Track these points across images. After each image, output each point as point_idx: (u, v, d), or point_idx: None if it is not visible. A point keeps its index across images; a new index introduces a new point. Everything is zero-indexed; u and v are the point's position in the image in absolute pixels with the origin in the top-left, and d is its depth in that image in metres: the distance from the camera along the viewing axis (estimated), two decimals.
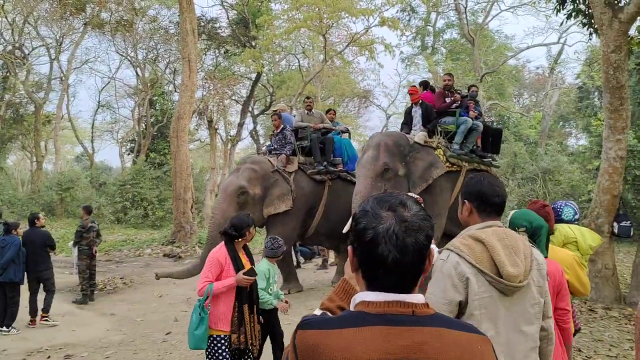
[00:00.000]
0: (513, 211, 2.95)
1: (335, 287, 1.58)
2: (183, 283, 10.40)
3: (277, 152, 9.14)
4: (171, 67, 29.62)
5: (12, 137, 29.75)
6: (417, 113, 8.64)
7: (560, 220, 4.06)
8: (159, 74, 29.42)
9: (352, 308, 1.29)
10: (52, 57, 28.34)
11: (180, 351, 6.16)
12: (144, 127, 28.39)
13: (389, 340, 1.15)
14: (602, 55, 8.54)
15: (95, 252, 9.36)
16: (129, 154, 31.07)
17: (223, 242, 4.12)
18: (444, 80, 9.07)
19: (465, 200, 2.30)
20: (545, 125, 28.29)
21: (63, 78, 28.65)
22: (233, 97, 30.92)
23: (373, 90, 37.97)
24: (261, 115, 32.25)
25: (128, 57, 29.19)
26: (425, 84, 9.50)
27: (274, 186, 8.55)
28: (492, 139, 9.15)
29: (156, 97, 28.71)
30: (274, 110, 10.54)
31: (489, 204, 2.25)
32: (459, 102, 8.80)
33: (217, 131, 28.89)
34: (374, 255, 1.21)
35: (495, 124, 33.68)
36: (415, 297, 1.24)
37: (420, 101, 8.66)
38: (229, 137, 30.06)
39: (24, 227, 8.14)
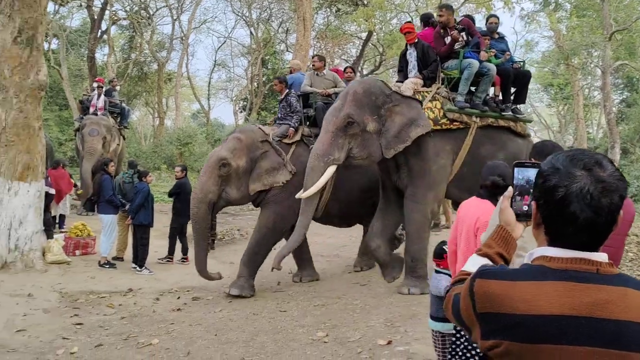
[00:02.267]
0: None
1: (492, 233, 1.57)
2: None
3: (282, 122, 7.61)
4: (284, 27, 30.04)
5: (137, 94, 31.81)
6: (412, 56, 6.87)
7: None
8: (271, 34, 29.98)
9: (526, 260, 1.31)
10: (174, 18, 29.72)
11: (297, 301, 6.45)
12: (256, 85, 29.21)
13: (572, 296, 1.16)
14: None
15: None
16: (241, 112, 32.19)
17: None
18: (439, 17, 7.04)
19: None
20: None
21: (183, 38, 30.06)
22: (343, 57, 30.91)
23: None
24: (370, 75, 32.04)
25: (243, 17, 29.96)
26: (426, 19, 7.65)
27: (262, 158, 7.01)
28: (515, 84, 7.32)
29: (268, 57, 29.34)
30: (276, 77, 9.15)
31: None
32: (465, 39, 6.83)
33: None
34: (564, 214, 1.21)
35: (623, 86, 31.26)
36: (600, 256, 1.23)
37: (417, 40, 6.85)
38: None
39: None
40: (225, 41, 33.37)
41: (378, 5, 22.72)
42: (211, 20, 32.64)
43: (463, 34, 6.74)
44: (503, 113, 6.85)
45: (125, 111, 14.61)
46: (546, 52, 33.89)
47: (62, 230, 9.83)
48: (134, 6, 28.55)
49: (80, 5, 25.22)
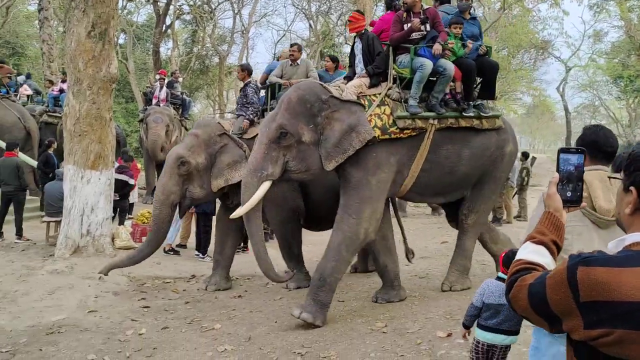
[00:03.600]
0: None
1: (542, 219, 1.57)
2: None
3: (238, 114, 7.19)
4: (343, 19, 30.00)
5: (198, 87, 32.63)
6: (358, 49, 6.03)
7: None
8: (330, 26, 30.03)
9: (616, 247, 1.31)
10: (235, 12, 30.24)
11: (356, 292, 6.51)
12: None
13: None
14: None
15: None
16: None
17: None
18: None
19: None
20: None
21: (244, 31, 30.55)
22: None
23: (554, 40, 35.10)
24: None
25: (303, 10, 30.14)
26: (390, 1, 6.44)
27: (222, 153, 6.57)
28: (483, 78, 6.14)
29: (327, 49, 29.41)
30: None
31: (601, 151, 2.63)
32: (425, 31, 5.70)
33: None
34: None
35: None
36: None
37: (363, 31, 6.00)
38: None
39: None
40: (284, 34, 33.74)
41: None
42: (271, 13, 33.08)
43: (426, 25, 5.70)
44: (464, 113, 5.78)
45: (186, 103, 15.02)
46: (616, 42, 32.46)
47: (130, 217, 10.24)
48: (197, 1, 29.22)
49: (147, 1, 26.02)
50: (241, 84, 7.67)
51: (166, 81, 14.22)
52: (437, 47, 5.53)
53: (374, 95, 5.56)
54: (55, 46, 16.85)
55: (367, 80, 5.68)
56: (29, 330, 5.10)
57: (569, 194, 1.57)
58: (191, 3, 28.85)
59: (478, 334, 3.26)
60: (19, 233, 8.74)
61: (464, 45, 5.89)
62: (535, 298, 1.32)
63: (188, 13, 29.03)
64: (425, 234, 10.82)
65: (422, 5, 5.82)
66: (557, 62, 36.47)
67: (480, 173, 6.07)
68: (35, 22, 25.50)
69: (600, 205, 2.49)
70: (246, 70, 7.58)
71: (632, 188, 1.28)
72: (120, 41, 27.66)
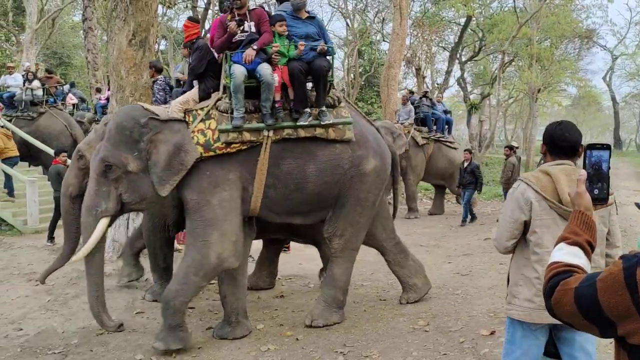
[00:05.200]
0: None
1: (572, 219, 1.53)
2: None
3: None
4: (379, 17, 29.88)
5: None
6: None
7: None
8: (367, 24, 29.94)
9: None
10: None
11: (397, 290, 6.46)
12: (353, 77, 29.31)
13: None
14: None
15: None
16: None
17: None
18: None
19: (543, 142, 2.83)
20: None
21: None
22: (440, 44, 30.26)
23: (598, 29, 34.04)
24: (469, 62, 31.13)
25: (339, 9, 30.13)
26: (221, 3, 5.71)
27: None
28: (315, 81, 5.26)
29: (364, 47, 29.37)
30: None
31: (557, 147, 2.77)
32: (249, 29, 5.14)
33: (424, 79, 28.63)
34: None
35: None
36: None
37: (194, 40, 5.53)
38: (436, 85, 29.62)
39: None
40: None
41: None
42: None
43: (250, 26, 5.12)
44: (299, 122, 5.05)
45: None
46: None
47: None
48: None
49: (187, 7, 26.50)
50: None
51: None
52: (247, 53, 4.92)
53: (201, 109, 5.08)
54: (99, 55, 17.31)
55: (194, 95, 5.24)
56: (79, 331, 5.28)
57: (596, 191, 1.54)
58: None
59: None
60: (51, 236, 9.01)
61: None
62: (585, 302, 1.26)
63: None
64: (466, 231, 10.68)
65: (248, 6, 5.28)
66: (602, 51, 35.53)
67: (337, 192, 5.30)
68: (80, 32, 26.34)
69: (566, 198, 2.57)
70: (154, 67, 7.37)
71: None
72: (162, 47, 28.26)
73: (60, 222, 9.26)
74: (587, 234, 1.48)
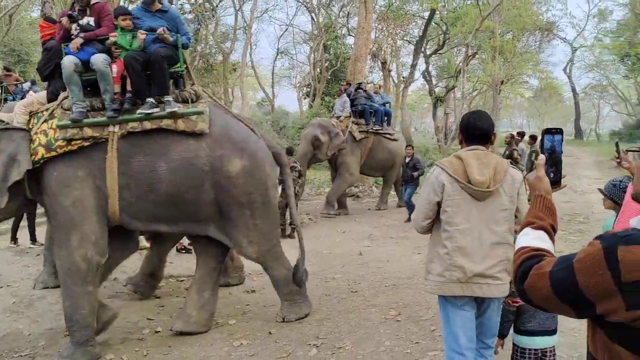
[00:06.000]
0: None
1: (534, 203, 1.55)
2: (365, 221, 10.90)
3: None
4: (345, 11, 29.94)
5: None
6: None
7: None
8: (332, 18, 29.95)
9: (636, 224, 1.27)
10: (237, 8, 30.24)
11: (369, 282, 6.52)
12: (319, 71, 29.31)
13: None
14: None
15: (298, 191, 10.02)
16: (305, 98, 32.46)
17: None
18: None
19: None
20: None
21: (246, 27, 30.55)
22: (405, 38, 30.49)
23: (558, 21, 34.80)
24: (434, 56, 31.43)
25: (304, 3, 30.07)
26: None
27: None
28: (150, 69, 4.89)
29: (330, 42, 29.36)
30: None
31: (470, 134, 3.00)
32: (88, 24, 4.92)
33: (390, 73, 28.82)
34: None
35: None
36: None
37: (48, 39, 5.27)
38: (402, 79, 29.84)
39: None
40: (287, 29, 33.71)
41: None
42: (273, 8, 33.05)
43: (84, 20, 4.91)
44: (138, 112, 4.72)
45: None
46: (621, 20, 32.14)
47: None
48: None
49: None
50: None
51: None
52: (74, 42, 4.74)
53: (46, 109, 4.82)
54: None
55: (43, 96, 5.05)
56: (47, 333, 5.17)
57: (552, 174, 1.57)
58: (192, 1, 28.87)
59: (522, 340, 3.10)
60: (33, 238, 8.83)
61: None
62: (561, 285, 1.26)
63: (190, 12, 29.04)
64: None
65: (89, 1, 5.01)
66: (562, 43, 36.35)
67: (210, 201, 4.90)
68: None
69: (475, 179, 2.84)
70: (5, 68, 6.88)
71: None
72: None
73: (23, 223, 9.08)
74: (550, 218, 1.50)
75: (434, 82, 33.39)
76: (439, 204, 2.96)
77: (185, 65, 5.17)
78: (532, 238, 1.46)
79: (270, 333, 4.96)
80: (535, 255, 1.39)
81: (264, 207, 5.15)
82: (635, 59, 31.30)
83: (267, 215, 5.19)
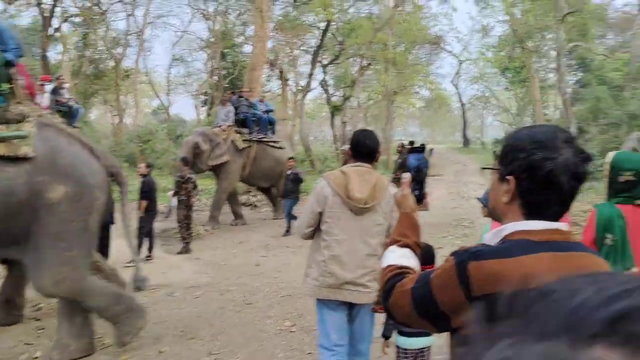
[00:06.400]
0: (615, 152, 2.83)
1: (400, 221, 1.60)
2: (262, 230, 10.85)
3: None
4: (241, 19, 29.77)
5: (94, 93, 31.09)
6: None
7: None
8: (229, 26, 29.68)
9: (494, 238, 1.31)
10: (128, 13, 29.15)
11: (264, 293, 6.47)
12: (217, 79, 28.92)
13: (560, 265, 1.21)
14: None
15: (193, 202, 9.80)
16: (202, 107, 31.86)
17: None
18: None
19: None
20: (632, 68, 26.43)
21: (139, 33, 29.51)
22: (302, 48, 30.84)
23: (445, 35, 36.80)
24: (330, 65, 32.05)
25: (199, 10, 29.57)
26: None
27: None
28: None
29: (227, 50, 29.04)
30: None
31: (358, 151, 3.19)
32: None
33: (288, 82, 29.02)
34: (551, 185, 1.25)
35: (577, 67, 31.98)
36: (565, 225, 1.30)
37: None
38: (299, 88, 30.14)
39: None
40: (182, 35, 32.92)
41: None
42: (167, 14, 32.12)
43: None
44: None
45: (74, 110, 14.13)
46: (502, 36, 34.50)
47: None
48: (86, 2, 27.88)
49: (29, 3, 24.48)
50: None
51: (49, 87, 13.32)
52: None
53: None
54: None
55: None
56: None
57: (416, 192, 1.62)
58: (79, 4, 27.49)
59: (402, 341, 3.19)
60: None
61: None
62: (421, 301, 1.29)
63: (76, 15, 27.61)
64: None
65: None
66: (450, 56, 38.25)
67: (25, 225, 4.36)
68: None
69: (353, 195, 3.06)
70: None
71: (510, 177, 1.29)
72: None
73: None
74: (414, 236, 1.55)
75: (332, 91, 34.04)
76: (321, 214, 3.17)
77: (10, 85, 4.63)
78: (398, 256, 1.50)
79: (160, 352, 4.77)
80: (399, 274, 1.42)
81: (84, 234, 4.65)
82: (515, 73, 33.74)
83: (85, 243, 4.68)
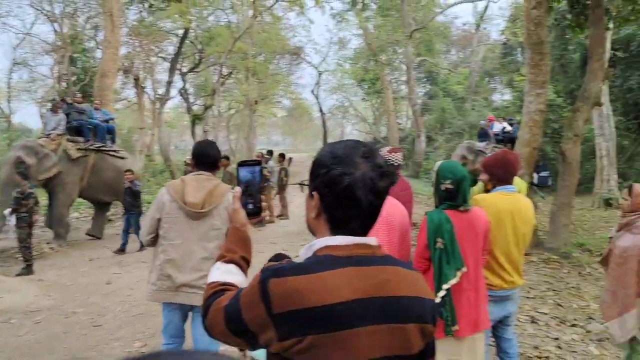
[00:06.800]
0: (439, 162, 3.06)
1: (229, 236, 1.57)
2: (116, 246, 10.23)
3: None
4: (92, 22, 28.09)
5: None
6: None
7: None
8: (78, 30, 27.86)
9: (306, 253, 1.32)
10: None
11: (115, 313, 6.10)
12: (65, 86, 26.98)
13: (361, 280, 1.23)
14: (524, 11, 8.83)
15: (36, 220, 8.88)
16: None
17: None
18: None
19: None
20: (472, 81, 29.00)
21: None
22: (160, 55, 29.87)
23: (304, 47, 37.69)
24: (190, 74, 31.39)
25: (43, 11, 27.42)
26: None
27: None
28: None
29: (77, 54, 27.22)
30: None
31: (199, 161, 3.34)
32: None
33: (145, 90, 27.90)
34: (350, 199, 1.26)
35: (425, 80, 34.37)
36: (372, 240, 1.32)
37: None
38: (157, 96, 29.12)
39: None
40: (24, 38, 30.30)
41: (192, 2, 22.29)
42: (6, 15, 29.41)
43: None
44: None
45: None
46: (357, 49, 36.10)
47: None
48: None
49: None
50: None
51: None
52: None
53: None
54: None
55: None
56: None
57: (250, 206, 1.61)
58: None
59: (257, 353, 3.17)
60: None
61: None
62: (232, 319, 1.27)
63: None
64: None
65: None
66: (309, 67, 39.23)
67: None
68: None
69: (188, 200, 3.21)
70: None
71: (314, 192, 1.31)
72: None
73: None
74: (242, 250, 1.52)
75: (192, 100, 33.33)
76: (159, 221, 3.28)
77: None
78: (222, 272, 1.46)
79: None
80: (220, 290, 1.38)
81: None
82: (370, 84, 35.45)
83: None
